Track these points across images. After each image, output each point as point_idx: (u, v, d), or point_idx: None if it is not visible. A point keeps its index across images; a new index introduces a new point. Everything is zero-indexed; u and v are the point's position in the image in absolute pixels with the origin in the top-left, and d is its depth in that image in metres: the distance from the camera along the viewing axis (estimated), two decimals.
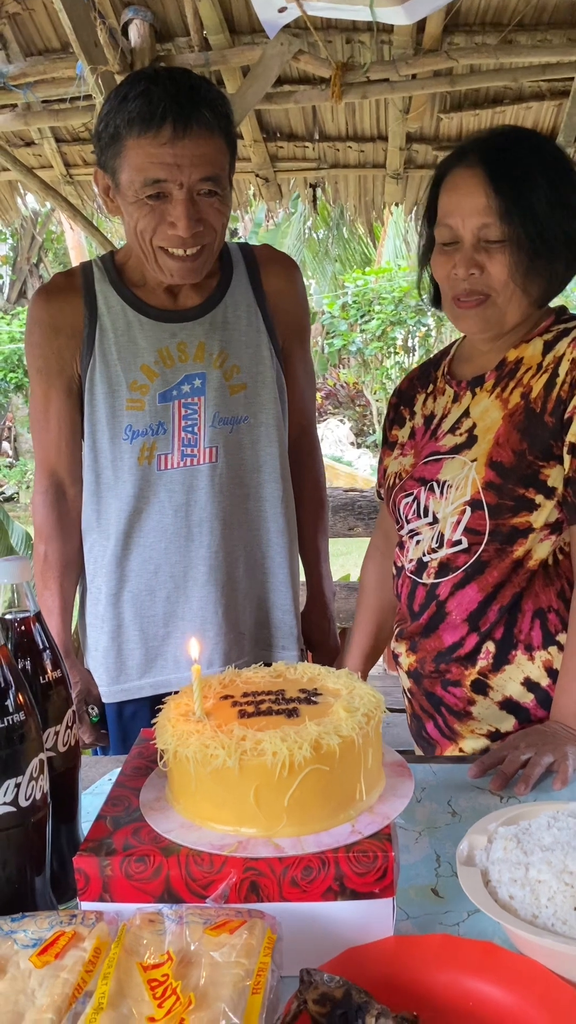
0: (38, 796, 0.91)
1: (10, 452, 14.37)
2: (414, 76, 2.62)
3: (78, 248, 11.07)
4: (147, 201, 1.50)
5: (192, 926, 0.81)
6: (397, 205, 3.23)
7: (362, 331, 12.98)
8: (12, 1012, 0.73)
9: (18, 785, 0.89)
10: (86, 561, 1.74)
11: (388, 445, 1.67)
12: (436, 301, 1.56)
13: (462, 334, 1.59)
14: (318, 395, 14.93)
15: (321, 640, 1.93)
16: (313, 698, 1.06)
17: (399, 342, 12.89)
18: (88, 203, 3.49)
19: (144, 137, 1.46)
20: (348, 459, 13.33)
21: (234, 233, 14.50)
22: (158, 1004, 0.73)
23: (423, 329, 12.65)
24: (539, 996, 0.82)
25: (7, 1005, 0.74)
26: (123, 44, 2.54)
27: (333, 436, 13.46)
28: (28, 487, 12.19)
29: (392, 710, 1.85)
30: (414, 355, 12.79)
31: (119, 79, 2.38)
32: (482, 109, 2.82)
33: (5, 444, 14.42)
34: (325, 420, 14.06)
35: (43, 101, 2.81)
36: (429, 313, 12.25)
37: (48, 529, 1.73)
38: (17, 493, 12.19)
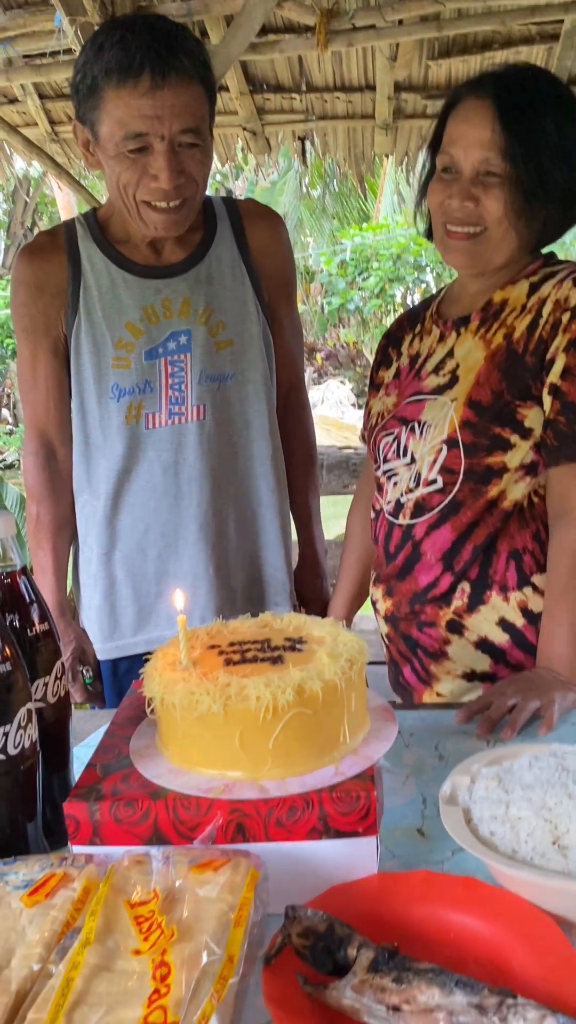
0: (27, 744, 0.93)
1: (10, 419, 14.34)
2: (400, 22, 2.57)
3: (68, 208, 10.94)
4: (128, 155, 1.49)
5: (178, 865, 0.83)
6: (387, 156, 3.19)
7: (360, 289, 12.88)
8: (3, 948, 0.76)
9: (6, 734, 0.90)
10: (78, 521, 1.75)
11: (374, 387, 1.68)
12: (430, 233, 1.56)
13: (455, 279, 1.59)
14: (318, 356, 14.87)
15: (314, 597, 1.94)
16: (298, 646, 1.07)
17: (398, 299, 12.79)
18: (75, 161, 3.45)
19: (123, 88, 1.44)
20: (349, 421, 13.32)
21: (229, 193, 14.33)
22: (143, 938, 0.75)
23: (422, 285, 12.55)
24: (518, 926, 0.85)
25: None
26: None
27: (334, 397, 13.41)
28: None
29: (377, 663, 1.88)
30: None
31: None
32: (471, 55, 2.77)
33: (4, 411, 14.39)
34: (325, 381, 13.99)
35: (24, 56, 2.77)
36: (428, 269, 12.13)
37: (40, 490, 1.74)
38: (18, 460, 12.19)
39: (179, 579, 1.71)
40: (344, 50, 2.74)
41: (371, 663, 1.89)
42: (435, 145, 1.50)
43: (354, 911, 0.86)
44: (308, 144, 3.10)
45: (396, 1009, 0.75)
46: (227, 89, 2.96)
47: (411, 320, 1.67)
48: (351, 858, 0.92)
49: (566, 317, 1.41)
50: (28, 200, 14.08)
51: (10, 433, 13.24)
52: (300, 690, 0.94)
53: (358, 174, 3.23)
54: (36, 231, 15.30)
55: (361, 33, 2.56)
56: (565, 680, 1.36)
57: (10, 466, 11.62)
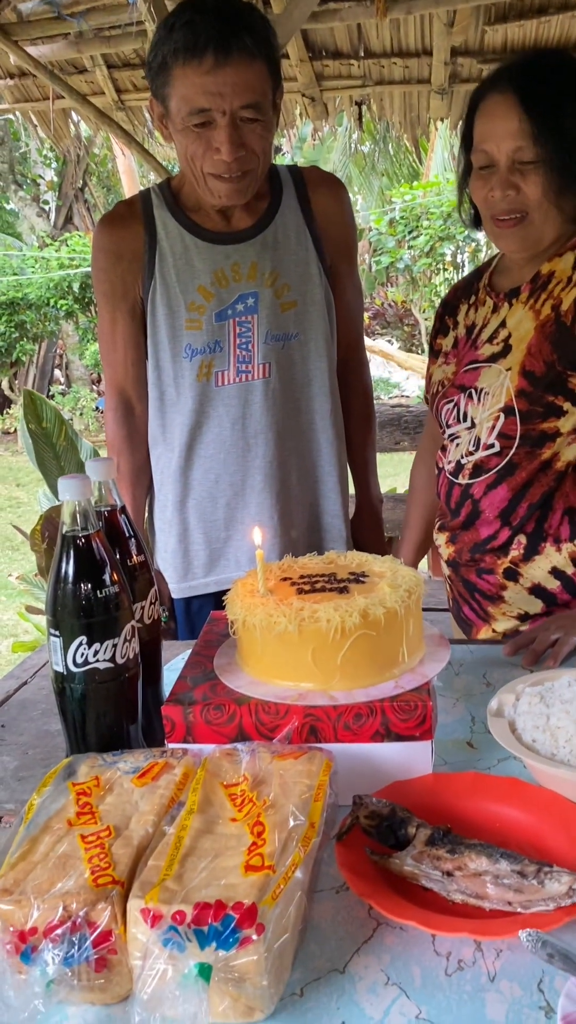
0: (131, 656, 1.08)
1: (62, 380, 14.58)
2: None
3: (129, 172, 11.02)
4: (193, 128, 1.60)
5: (263, 756, 0.98)
6: (442, 120, 3.24)
7: (410, 247, 12.78)
8: (121, 816, 0.91)
9: (115, 645, 1.05)
10: (153, 472, 1.90)
11: (433, 354, 1.78)
12: (476, 222, 1.65)
13: None
14: (366, 315, 14.84)
15: (370, 544, 2.07)
16: (361, 579, 1.20)
17: (448, 258, 12.68)
18: (140, 128, 3.55)
19: (188, 66, 1.55)
20: (396, 380, 13.29)
21: (278, 149, 14.26)
22: (238, 809, 0.90)
23: (472, 244, 12.42)
24: (556, 817, 0.98)
25: (117, 811, 0.91)
26: None
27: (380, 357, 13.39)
28: (81, 414, 12.43)
29: (434, 609, 2.00)
30: (463, 271, 12.57)
31: (171, 6, 2.43)
32: (527, 19, 2.79)
33: (57, 372, 14.63)
34: (374, 340, 13.97)
35: (95, 29, 2.86)
36: None
37: (119, 442, 1.88)
38: (71, 419, 12.44)
39: (246, 525, 1.84)
40: (402, 17, 2.79)
41: (433, 609, 2.03)
42: (466, 144, 1.58)
43: (412, 803, 1.00)
44: (364, 108, 3.16)
45: (449, 874, 0.89)
46: (287, 56, 3.02)
47: (465, 290, 1.76)
48: (409, 759, 1.06)
49: None
50: (87, 161, 14.15)
51: (63, 394, 13.48)
52: (365, 614, 1.07)
53: (412, 138, 3.28)
54: (87, 192, 15.41)
55: (420, 0, 2.61)
56: None
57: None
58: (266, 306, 1.78)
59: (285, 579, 1.23)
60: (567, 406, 1.53)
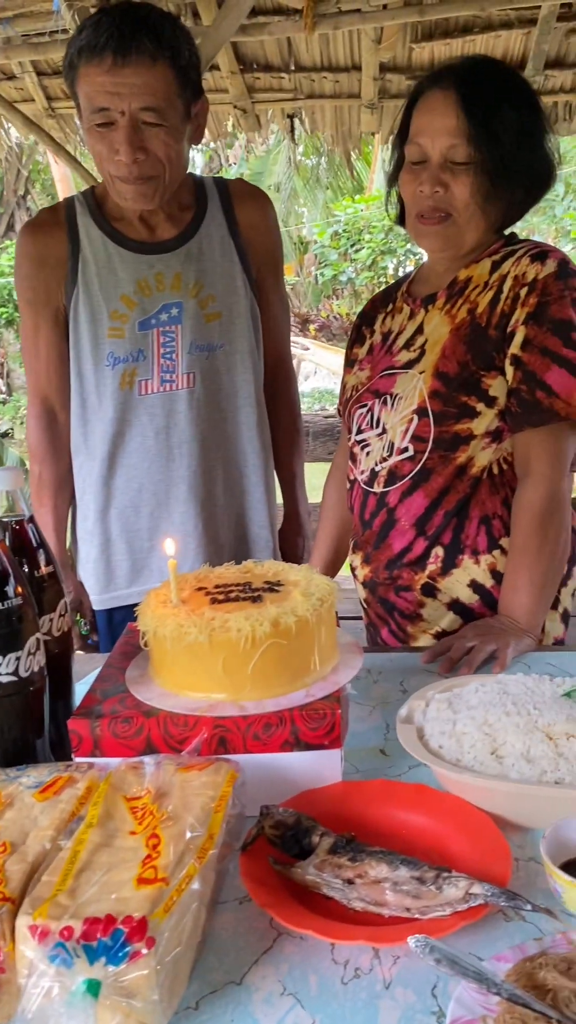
0: (36, 669, 1.06)
1: (3, 388, 14.37)
2: (385, 6, 2.65)
3: (64, 180, 10.95)
4: (97, 128, 1.59)
5: (167, 768, 0.97)
6: (373, 135, 3.28)
7: (353, 260, 12.91)
8: (19, 831, 0.89)
9: (18, 658, 1.04)
10: (75, 480, 1.88)
11: (349, 364, 1.79)
12: (401, 219, 1.66)
13: (424, 260, 1.70)
14: (312, 327, 14.90)
15: (296, 555, 2.07)
16: (276, 587, 1.20)
17: (390, 271, 12.82)
18: (71, 136, 3.53)
19: (91, 64, 1.55)
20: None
21: (225, 159, 14.29)
22: (138, 822, 0.89)
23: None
24: (459, 821, 0.99)
25: (15, 826, 0.90)
26: None
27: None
28: (22, 423, 12.25)
29: (349, 618, 2.00)
30: None
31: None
32: (453, 38, 2.85)
33: None
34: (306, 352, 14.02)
35: (23, 35, 2.84)
36: None
37: (41, 451, 1.86)
38: (12, 429, 12.26)
39: (170, 535, 1.83)
40: (331, 32, 2.82)
41: (347, 618, 2.04)
42: (402, 136, 1.60)
43: (320, 812, 1.00)
44: (297, 121, 3.19)
45: (350, 882, 0.90)
46: (218, 68, 3.04)
47: (383, 300, 1.77)
48: (319, 767, 1.06)
49: (524, 291, 1.51)
50: (22, 168, 14.01)
51: (3, 402, 13.29)
52: (276, 623, 1.07)
53: (345, 151, 3.32)
54: (29, 199, 15.26)
55: (347, 16, 2.64)
56: (522, 627, 1.49)
57: (4, 434, 11.69)
58: (190, 316, 1.78)
59: (200, 589, 1.22)
60: (480, 407, 1.54)
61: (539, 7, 2.77)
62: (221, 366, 1.83)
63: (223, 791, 0.93)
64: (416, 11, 2.69)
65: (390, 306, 1.74)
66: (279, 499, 2.07)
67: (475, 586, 1.58)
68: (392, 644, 1.68)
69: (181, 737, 1.05)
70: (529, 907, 0.83)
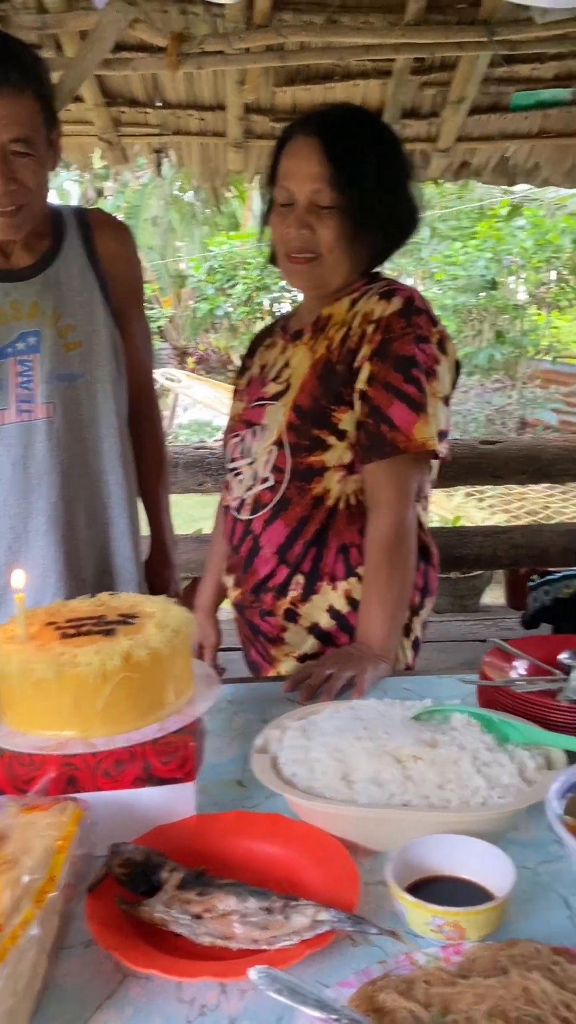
0: None
1: None
2: (247, 50, 2.72)
3: None
4: None
5: (9, 810, 0.94)
6: (239, 173, 3.33)
7: (228, 296, 13.04)
8: None
9: None
10: None
11: (235, 394, 1.83)
12: (274, 258, 1.70)
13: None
14: (191, 360, 14.94)
15: (162, 587, 2.05)
16: (130, 620, 1.18)
17: (265, 306, 13.01)
18: None
19: None
20: (219, 424, 13.41)
21: (100, 192, 14.20)
22: None
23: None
24: (310, 849, 0.99)
25: None
26: None
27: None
28: None
29: (234, 648, 1.99)
30: None
31: None
32: (313, 84, 2.95)
33: None
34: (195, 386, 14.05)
35: None
36: None
37: None
38: None
39: (29, 570, 1.77)
40: (195, 72, 2.87)
41: (228, 648, 2.04)
42: (271, 179, 1.65)
43: (174, 847, 0.99)
44: (163, 157, 3.21)
45: (198, 917, 0.88)
46: (82, 100, 3.04)
47: (266, 333, 1.84)
48: (172, 802, 1.05)
49: (370, 328, 1.58)
50: None
51: None
52: (127, 656, 1.05)
53: (212, 188, 3.36)
54: None
55: (210, 57, 2.69)
56: (378, 653, 1.53)
57: None
58: (49, 345, 1.75)
59: (51, 624, 1.19)
60: (332, 440, 1.59)
61: (393, 60, 2.90)
62: (82, 396, 1.80)
63: (67, 831, 0.90)
64: (277, 56, 2.77)
65: (268, 340, 1.79)
66: (145, 531, 2.04)
67: (333, 612, 1.62)
68: (260, 663, 1.71)
69: (27, 777, 1.02)
70: (375, 930, 0.84)
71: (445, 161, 3.35)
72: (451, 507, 7.76)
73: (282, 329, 1.75)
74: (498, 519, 7.32)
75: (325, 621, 1.62)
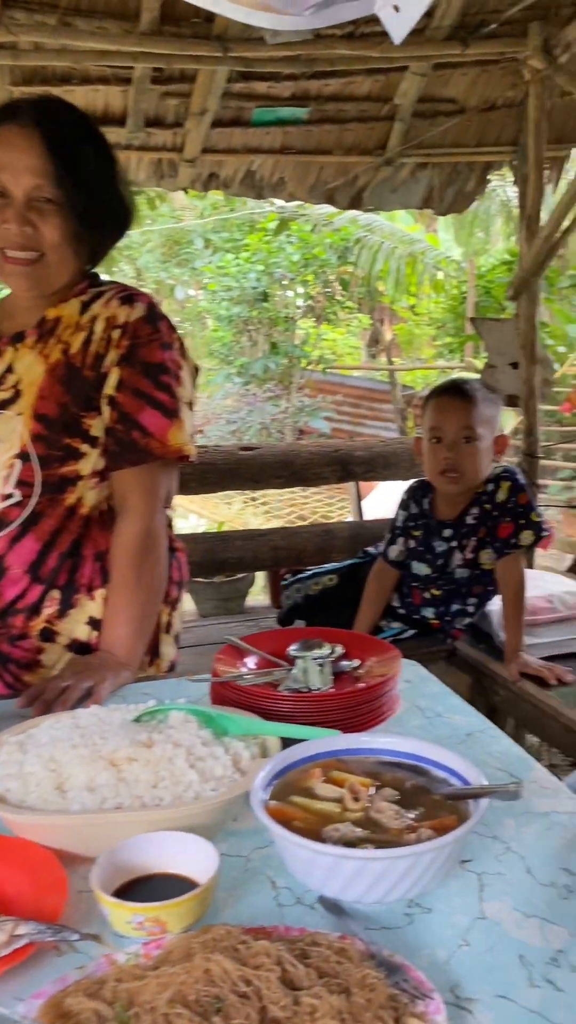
0: None
1: None
2: None
3: None
4: None
5: None
6: None
7: None
8: None
9: None
10: None
11: None
12: None
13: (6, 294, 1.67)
14: None
15: None
16: None
17: None
18: None
19: None
20: None
21: None
22: None
23: None
24: (21, 862, 0.96)
25: None
26: None
27: None
28: None
29: None
30: None
31: None
32: (53, 86, 2.88)
33: None
34: None
35: None
36: None
37: None
38: None
39: None
40: None
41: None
42: None
43: None
44: None
45: None
46: None
47: None
48: None
49: (116, 334, 1.55)
50: None
51: None
52: None
53: None
54: None
55: None
56: (121, 661, 1.50)
57: None
58: None
59: None
60: (84, 447, 1.54)
61: (132, 67, 2.90)
62: None
63: None
64: (10, 55, 2.69)
65: None
66: None
67: (92, 622, 1.57)
68: (11, 695, 1.60)
69: None
70: (76, 936, 0.83)
71: (193, 172, 3.39)
72: (231, 514, 7.88)
73: None
74: (278, 523, 7.52)
75: (85, 633, 1.57)
